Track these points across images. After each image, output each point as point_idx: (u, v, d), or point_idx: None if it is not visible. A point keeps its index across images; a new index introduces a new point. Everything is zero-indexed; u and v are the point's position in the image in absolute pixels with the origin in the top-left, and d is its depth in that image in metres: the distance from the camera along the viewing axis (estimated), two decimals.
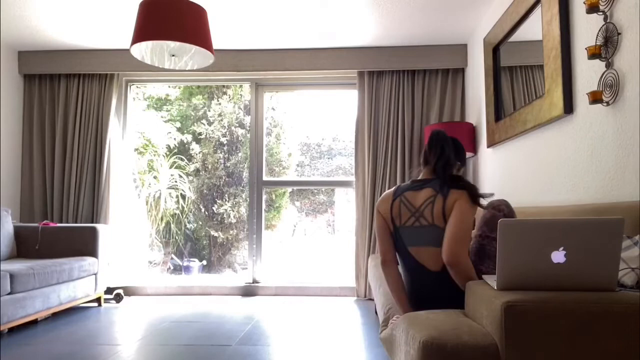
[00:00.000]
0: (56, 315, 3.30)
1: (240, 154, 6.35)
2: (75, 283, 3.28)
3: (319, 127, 6.71)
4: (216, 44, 3.89)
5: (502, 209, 1.62)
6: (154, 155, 6.01)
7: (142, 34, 2.34)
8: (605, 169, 1.87)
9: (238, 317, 3.24)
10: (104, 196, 4.00)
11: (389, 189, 3.90)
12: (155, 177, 5.76)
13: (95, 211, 4.01)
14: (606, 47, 1.81)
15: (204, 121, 6.37)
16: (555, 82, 2.17)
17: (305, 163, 6.78)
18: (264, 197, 4.36)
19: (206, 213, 6.35)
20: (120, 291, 3.83)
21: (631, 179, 1.70)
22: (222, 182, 6.31)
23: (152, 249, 5.78)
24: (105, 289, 3.70)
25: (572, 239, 1.11)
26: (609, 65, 1.81)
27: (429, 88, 3.99)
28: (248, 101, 6.11)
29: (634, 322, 1.03)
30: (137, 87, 4.76)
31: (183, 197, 5.87)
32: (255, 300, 3.88)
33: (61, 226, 3.62)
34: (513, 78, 2.83)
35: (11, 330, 2.86)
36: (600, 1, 1.82)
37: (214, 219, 6.30)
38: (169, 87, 6.26)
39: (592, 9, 1.83)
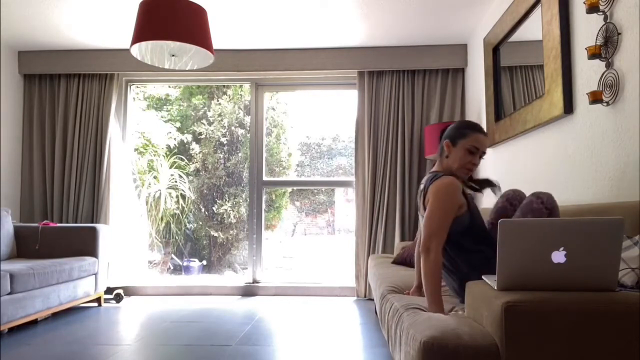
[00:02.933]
0: (56, 315, 3.30)
1: (240, 154, 6.35)
2: (75, 283, 3.28)
3: (319, 127, 6.71)
4: (216, 44, 3.89)
5: (513, 202, 1.75)
6: (154, 155, 6.00)
7: (142, 34, 2.34)
8: (605, 169, 1.87)
9: (238, 317, 3.24)
10: (104, 196, 4.00)
11: (388, 189, 3.92)
12: (155, 177, 5.75)
13: (95, 211, 4.01)
14: (606, 47, 1.81)
15: (204, 121, 6.36)
16: (555, 82, 2.17)
17: (305, 163, 6.78)
18: (264, 197, 4.35)
19: (206, 213, 6.34)
20: (120, 291, 3.83)
21: (631, 179, 1.70)
22: (222, 182, 6.31)
23: (152, 249, 5.77)
24: (105, 289, 3.70)
25: (572, 239, 1.11)
26: (609, 65, 1.81)
27: (429, 88, 3.99)
28: (248, 101, 6.10)
29: (634, 322, 1.03)
30: (137, 87, 4.76)
31: (183, 197, 5.87)
32: (255, 300, 3.88)
33: (61, 226, 3.62)
34: (513, 78, 2.83)
35: (11, 330, 2.86)
36: (600, 1, 1.82)
37: (214, 219, 6.29)
38: (169, 87, 6.25)
39: (592, 9, 1.83)
